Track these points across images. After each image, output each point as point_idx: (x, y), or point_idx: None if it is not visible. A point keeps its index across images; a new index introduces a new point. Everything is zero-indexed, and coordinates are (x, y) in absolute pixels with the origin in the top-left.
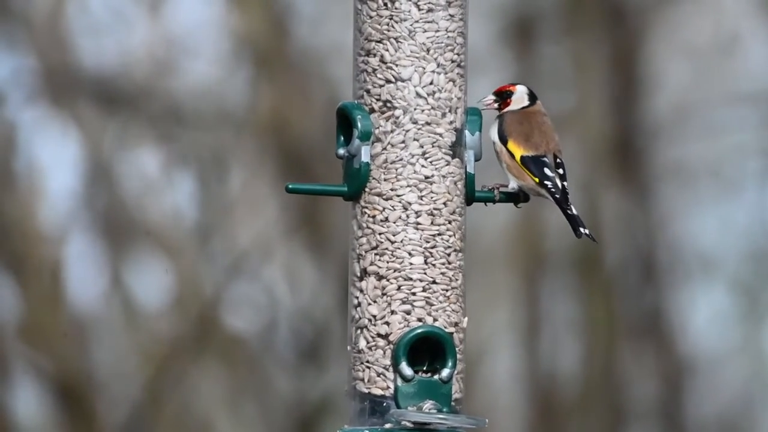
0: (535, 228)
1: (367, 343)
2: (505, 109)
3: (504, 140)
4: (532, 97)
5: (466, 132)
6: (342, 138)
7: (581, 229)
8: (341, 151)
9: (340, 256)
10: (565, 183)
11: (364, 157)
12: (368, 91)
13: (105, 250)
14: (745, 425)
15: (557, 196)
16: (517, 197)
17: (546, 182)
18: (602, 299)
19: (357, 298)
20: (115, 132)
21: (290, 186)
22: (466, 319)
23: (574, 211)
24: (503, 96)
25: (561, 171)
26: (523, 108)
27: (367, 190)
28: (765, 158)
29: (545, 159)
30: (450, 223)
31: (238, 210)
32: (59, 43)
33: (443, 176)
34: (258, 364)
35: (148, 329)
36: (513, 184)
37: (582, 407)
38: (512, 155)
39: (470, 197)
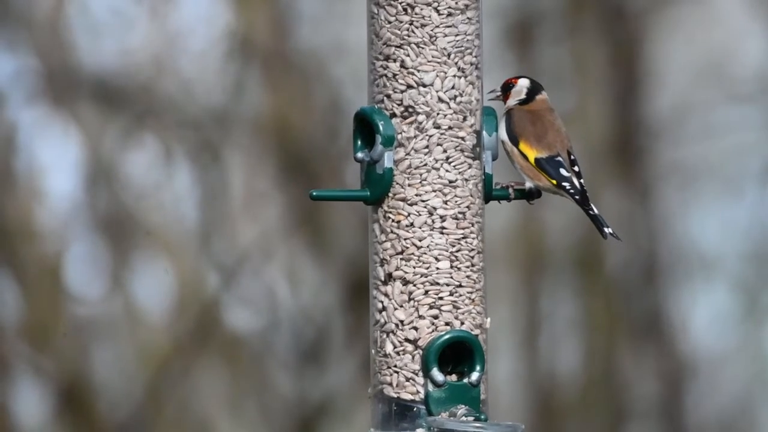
0: (535, 227)
1: (395, 347)
2: (507, 103)
3: (515, 141)
4: (531, 92)
5: (484, 133)
6: (360, 142)
7: (606, 229)
8: (360, 155)
9: (342, 256)
10: (581, 181)
11: (388, 163)
12: (388, 96)
13: (105, 251)
14: (745, 425)
15: (577, 197)
16: (531, 194)
17: (564, 183)
18: (603, 299)
19: (381, 302)
20: (116, 132)
21: (314, 193)
22: (488, 319)
23: (596, 211)
24: (505, 89)
25: (576, 168)
26: (520, 102)
27: (390, 195)
28: (765, 158)
29: (560, 159)
30: (473, 225)
31: (238, 210)
32: (60, 43)
33: (466, 180)
34: (259, 364)
35: (149, 329)
36: (529, 184)
37: (582, 407)
38: (525, 157)
39: (487, 196)
